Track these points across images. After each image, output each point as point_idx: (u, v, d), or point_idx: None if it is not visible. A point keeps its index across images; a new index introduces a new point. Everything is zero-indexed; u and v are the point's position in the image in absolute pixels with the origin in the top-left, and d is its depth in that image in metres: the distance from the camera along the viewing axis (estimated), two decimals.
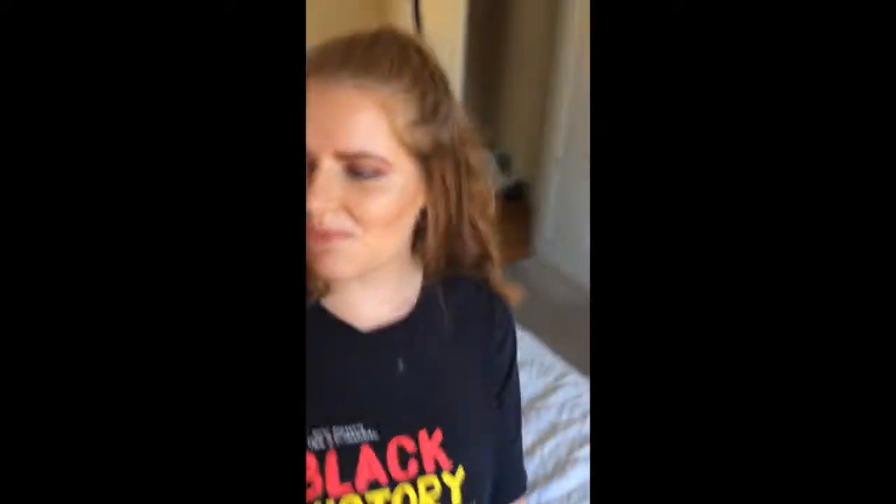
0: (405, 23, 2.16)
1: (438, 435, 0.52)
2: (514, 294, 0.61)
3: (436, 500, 0.51)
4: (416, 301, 0.56)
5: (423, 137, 0.47)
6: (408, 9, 2.17)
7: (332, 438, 0.49)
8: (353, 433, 0.50)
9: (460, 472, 0.52)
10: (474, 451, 0.54)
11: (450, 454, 0.52)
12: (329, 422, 0.49)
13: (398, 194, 0.47)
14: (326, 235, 0.45)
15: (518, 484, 0.64)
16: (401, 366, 0.53)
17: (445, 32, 2.25)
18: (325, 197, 0.43)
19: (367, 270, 0.49)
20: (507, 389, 0.61)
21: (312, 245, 0.45)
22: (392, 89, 0.45)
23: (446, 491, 0.52)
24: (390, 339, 0.53)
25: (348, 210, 0.45)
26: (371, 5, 2.32)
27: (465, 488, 0.52)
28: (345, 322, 0.53)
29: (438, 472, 0.52)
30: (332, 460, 0.48)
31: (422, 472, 0.51)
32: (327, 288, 0.52)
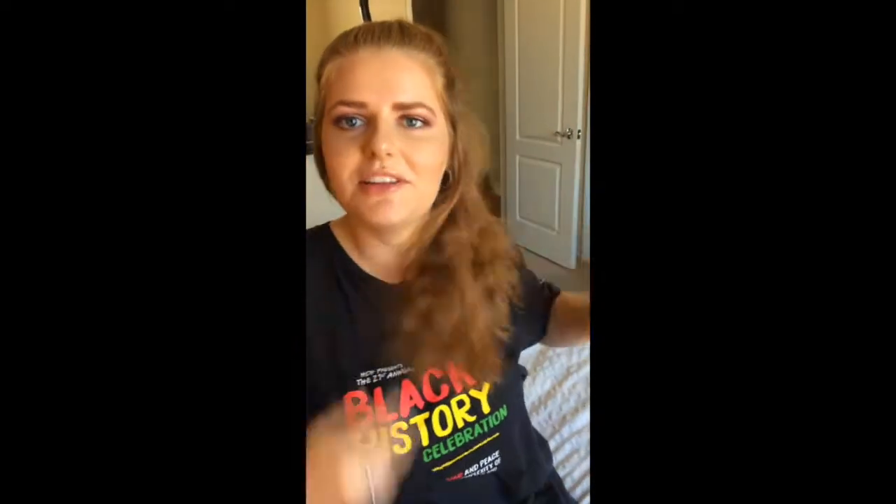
0: (353, 18, 2.19)
1: (463, 365, 0.58)
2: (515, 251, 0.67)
3: (467, 412, 0.59)
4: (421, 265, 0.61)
5: (449, 101, 0.54)
6: (354, 7, 2.20)
7: (377, 377, 0.56)
8: (393, 372, 0.57)
9: (486, 386, 0.60)
10: (497, 370, 0.60)
11: (475, 376, 0.59)
12: (373, 366, 0.56)
13: (439, 145, 0.54)
14: (384, 187, 0.51)
15: (554, 290, 0.74)
16: (423, 309, 0.58)
17: None
18: (388, 140, 0.49)
19: (412, 218, 0.56)
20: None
21: (368, 198, 0.51)
22: (428, 55, 0.52)
23: (475, 403, 0.60)
24: (412, 289, 0.58)
25: (404, 155, 0.51)
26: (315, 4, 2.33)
27: (492, 397, 0.61)
28: (377, 278, 0.59)
29: (465, 389, 0.60)
30: (378, 395, 0.55)
31: (452, 393, 0.59)
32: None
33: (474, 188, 0.60)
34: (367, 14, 2.08)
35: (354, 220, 0.58)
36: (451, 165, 0.57)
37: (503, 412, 0.62)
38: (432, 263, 0.58)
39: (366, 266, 0.60)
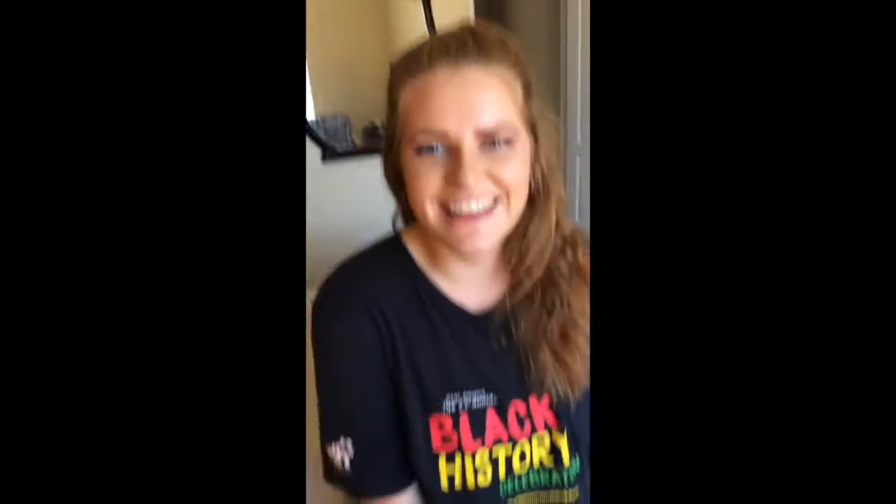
0: (414, 24, 2.18)
1: (546, 399, 0.59)
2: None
3: (548, 452, 0.59)
4: (514, 292, 0.60)
5: (528, 110, 0.53)
6: (415, 9, 2.19)
7: (462, 402, 0.56)
8: (478, 398, 0.56)
9: (567, 430, 0.58)
10: (575, 412, 0.59)
11: (557, 416, 0.59)
12: (457, 388, 0.56)
13: (524, 159, 0.52)
14: (473, 218, 0.50)
15: None
16: (503, 341, 0.58)
17: None
18: (474, 171, 0.48)
19: (503, 238, 0.55)
20: None
21: (457, 229, 0.50)
22: (506, 67, 0.50)
23: (555, 445, 0.59)
24: (494, 319, 0.59)
25: (491, 176, 0.50)
26: (373, 8, 2.34)
27: (570, 443, 0.59)
28: (460, 306, 0.59)
29: (549, 429, 0.59)
30: (464, 420, 0.55)
31: (534, 430, 0.58)
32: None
33: (563, 192, 0.58)
34: (430, 15, 2.06)
35: (434, 238, 0.56)
36: (534, 175, 0.55)
37: (576, 467, 0.60)
38: (532, 279, 0.57)
39: (451, 290, 0.59)
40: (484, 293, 0.60)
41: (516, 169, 0.51)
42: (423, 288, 0.58)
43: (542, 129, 0.54)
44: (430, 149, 0.49)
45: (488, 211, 0.51)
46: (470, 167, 0.48)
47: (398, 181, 0.55)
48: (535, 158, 0.54)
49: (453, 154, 0.49)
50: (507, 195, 0.51)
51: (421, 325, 0.57)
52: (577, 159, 2.75)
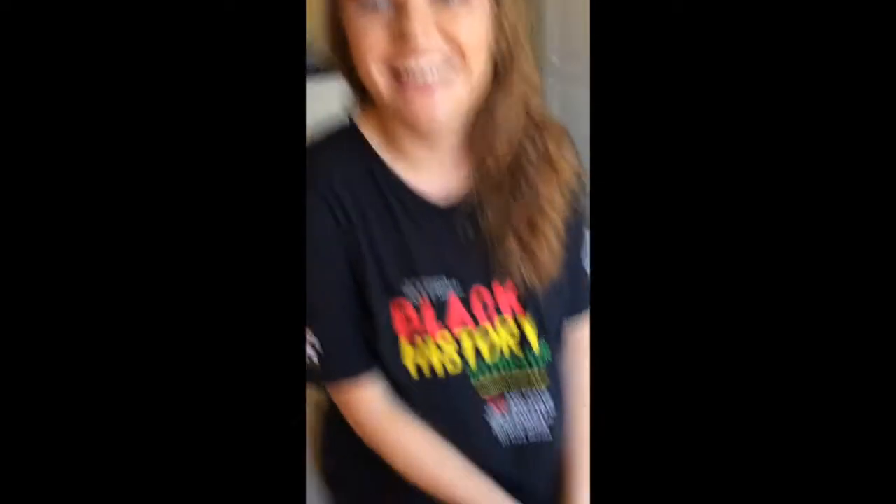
0: None
1: (510, 285, 0.58)
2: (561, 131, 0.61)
3: (511, 334, 0.59)
4: (479, 179, 0.58)
5: None
6: None
7: (423, 288, 0.55)
8: (440, 283, 0.55)
9: (532, 312, 0.59)
10: (543, 300, 0.59)
11: (522, 300, 0.59)
12: (418, 274, 0.55)
13: (482, 19, 0.47)
14: (426, 87, 0.46)
15: (587, 299, 0.69)
16: (470, 237, 0.57)
17: None
18: (422, 22, 0.43)
19: (461, 112, 0.51)
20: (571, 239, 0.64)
21: (406, 96, 0.47)
22: None
23: (522, 331, 0.59)
24: (460, 212, 0.57)
25: (442, 32, 0.45)
26: None
27: (538, 324, 0.60)
28: (420, 194, 0.56)
29: (515, 315, 0.59)
30: (426, 305, 0.55)
31: (500, 314, 0.58)
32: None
33: (536, 72, 0.54)
34: None
35: (390, 117, 0.52)
36: (497, 44, 0.49)
37: (547, 351, 0.60)
38: (500, 165, 0.54)
39: (411, 177, 0.55)
40: (446, 181, 0.57)
41: (472, 28, 0.46)
42: (381, 174, 0.55)
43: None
44: (374, 4, 0.44)
45: (444, 80, 0.46)
46: (416, 17, 0.43)
47: (343, 49, 0.50)
48: (498, 25, 0.49)
49: (399, 7, 0.44)
50: (463, 57, 0.46)
51: (380, 212, 0.55)
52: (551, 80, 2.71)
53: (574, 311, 0.67)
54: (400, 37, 0.44)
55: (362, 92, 0.54)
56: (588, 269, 0.69)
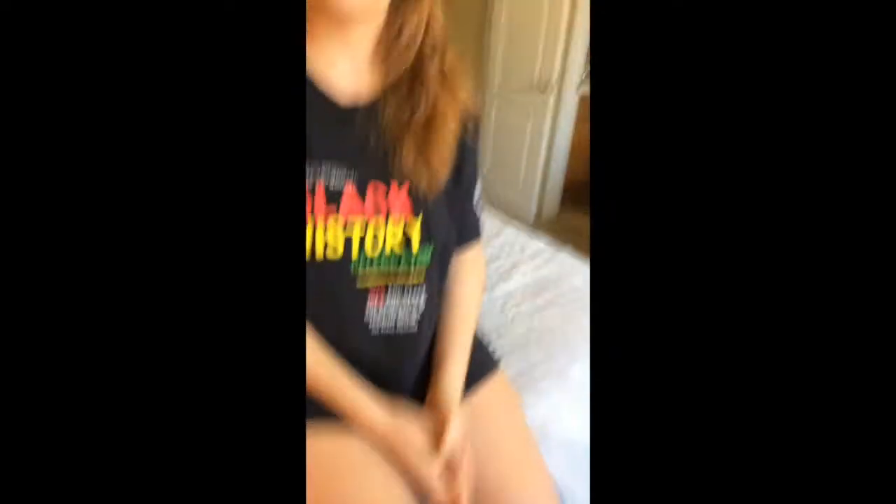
0: None
1: (406, 187, 0.62)
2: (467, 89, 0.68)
3: (399, 240, 0.63)
4: (384, 86, 0.63)
5: None
6: None
7: (321, 170, 0.58)
8: (337, 171, 0.59)
9: (421, 217, 0.64)
10: (432, 203, 0.64)
11: (413, 203, 0.63)
12: (316, 158, 0.58)
13: None
14: None
15: (475, 231, 0.78)
16: (371, 140, 0.61)
17: None
18: None
19: (376, 6, 0.56)
20: (464, 164, 0.70)
21: None
22: None
23: (407, 233, 0.63)
24: (364, 115, 0.61)
25: None
26: None
27: (423, 229, 0.64)
28: (331, 98, 0.60)
29: (403, 216, 0.63)
30: (320, 187, 0.58)
31: (390, 212, 0.62)
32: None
33: (439, 9, 0.61)
34: None
35: (313, 8, 0.56)
36: None
37: (428, 256, 0.65)
38: (398, 68, 0.60)
39: (324, 76, 0.60)
40: (355, 84, 0.62)
41: None
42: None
43: None
44: None
45: None
46: None
47: None
48: None
49: None
50: None
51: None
52: (493, 110, 2.84)
53: (462, 238, 0.74)
54: None
55: None
56: (478, 201, 0.77)
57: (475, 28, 3.03)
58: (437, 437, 0.62)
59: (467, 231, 0.74)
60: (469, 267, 0.75)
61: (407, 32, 0.59)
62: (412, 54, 0.60)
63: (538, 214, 2.72)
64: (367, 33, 0.59)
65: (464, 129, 0.67)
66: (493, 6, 2.70)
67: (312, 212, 0.57)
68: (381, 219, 0.61)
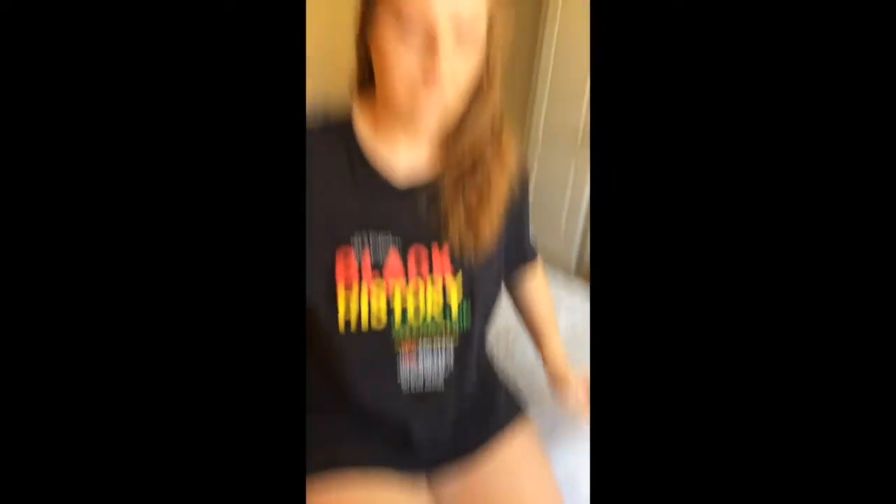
0: None
1: (447, 248, 0.65)
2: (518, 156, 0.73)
3: (437, 296, 0.65)
4: (442, 169, 0.67)
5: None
6: None
7: (368, 238, 0.62)
8: (383, 238, 0.63)
9: (460, 275, 0.66)
10: (476, 272, 0.67)
11: (453, 262, 0.66)
12: (365, 228, 0.62)
13: (481, 52, 0.58)
14: (439, 98, 0.56)
15: (529, 254, 0.85)
16: (423, 215, 0.65)
17: None
18: (447, 59, 0.53)
19: (448, 117, 0.61)
20: (513, 208, 0.73)
21: (423, 99, 0.56)
22: None
23: (446, 295, 0.66)
24: (419, 194, 0.65)
25: (453, 79, 0.56)
26: None
27: (464, 288, 0.66)
28: (388, 179, 0.65)
29: (443, 277, 0.65)
30: (366, 254, 0.62)
31: (431, 273, 0.65)
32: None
33: (502, 93, 0.65)
34: None
35: (387, 108, 0.60)
36: (488, 64, 0.60)
37: (467, 322, 0.66)
38: (464, 162, 0.65)
39: (388, 154, 0.64)
40: (415, 167, 0.65)
41: (472, 62, 0.57)
42: (359, 161, 0.63)
43: (500, 20, 0.58)
44: (408, 33, 0.53)
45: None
46: (444, 58, 0.53)
47: (364, 48, 0.60)
48: (486, 56, 0.58)
49: (430, 43, 0.53)
50: (458, 92, 0.57)
51: (345, 183, 0.62)
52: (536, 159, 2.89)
53: (521, 259, 0.83)
54: (427, 69, 0.54)
55: (368, 76, 0.64)
56: (532, 242, 0.84)
57: (520, 80, 3.12)
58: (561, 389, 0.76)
59: (522, 254, 0.83)
60: (533, 271, 0.86)
61: (475, 129, 0.64)
62: (476, 144, 0.65)
63: (579, 263, 2.72)
64: (434, 130, 0.62)
65: (511, 193, 0.70)
66: (538, 61, 2.79)
67: (360, 277, 0.60)
68: (421, 281, 0.63)
